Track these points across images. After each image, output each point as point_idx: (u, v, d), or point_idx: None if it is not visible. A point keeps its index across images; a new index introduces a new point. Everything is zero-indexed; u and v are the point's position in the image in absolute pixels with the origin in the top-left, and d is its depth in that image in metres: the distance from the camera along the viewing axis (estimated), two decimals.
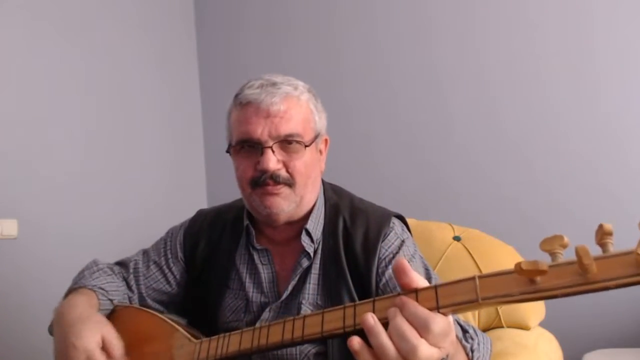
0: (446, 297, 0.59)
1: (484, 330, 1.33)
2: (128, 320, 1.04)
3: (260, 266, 1.07)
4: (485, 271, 1.34)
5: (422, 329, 0.58)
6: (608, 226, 0.52)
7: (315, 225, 1.05)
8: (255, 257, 1.07)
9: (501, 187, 1.88)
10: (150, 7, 2.45)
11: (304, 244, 1.03)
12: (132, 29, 2.36)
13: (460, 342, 0.76)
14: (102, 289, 1.07)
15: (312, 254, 1.04)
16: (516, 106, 1.88)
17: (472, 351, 0.80)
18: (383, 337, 0.59)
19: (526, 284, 0.54)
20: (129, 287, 1.15)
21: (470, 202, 1.91)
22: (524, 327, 1.31)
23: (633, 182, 1.71)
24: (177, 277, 1.16)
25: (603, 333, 1.68)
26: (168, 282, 1.16)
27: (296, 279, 1.02)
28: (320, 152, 1.08)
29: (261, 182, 0.97)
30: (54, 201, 1.97)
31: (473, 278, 0.58)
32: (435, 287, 0.60)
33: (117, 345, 0.91)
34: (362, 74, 2.20)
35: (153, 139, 2.39)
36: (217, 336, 0.86)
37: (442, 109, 2.02)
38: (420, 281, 0.63)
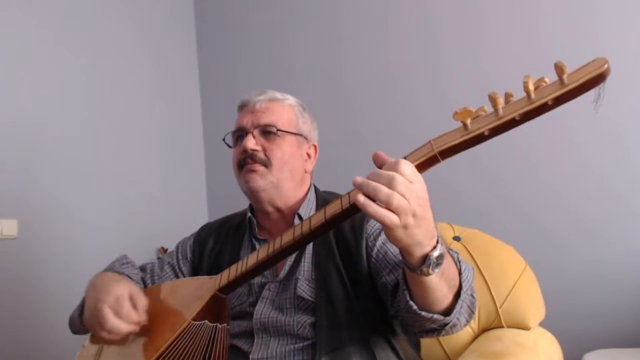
0: (411, 158, 0.77)
1: (484, 331, 1.34)
2: (148, 296, 1.11)
3: None
4: (485, 272, 1.36)
5: (393, 167, 0.72)
6: (510, 91, 0.71)
7: (307, 213, 1.17)
8: (257, 247, 1.18)
9: (501, 187, 1.88)
10: (151, 10, 2.45)
11: None
12: (133, 32, 2.36)
13: (448, 252, 0.85)
14: (129, 277, 1.18)
15: None
16: None
17: (460, 262, 0.90)
18: (371, 182, 0.72)
19: (462, 131, 0.73)
20: (145, 285, 1.25)
21: (470, 202, 1.91)
22: (524, 327, 1.31)
23: (634, 182, 1.71)
24: (186, 276, 1.25)
25: (603, 333, 1.68)
26: None
27: (292, 259, 1.14)
28: (308, 155, 1.23)
29: (242, 161, 1.15)
30: (54, 201, 1.97)
31: (429, 142, 0.77)
32: (405, 157, 0.77)
33: (142, 299, 1.01)
34: (363, 75, 2.20)
35: (153, 139, 2.39)
36: (235, 264, 0.98)
37: (443, 108, 2.02)
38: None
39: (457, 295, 0.87)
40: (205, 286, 1.00)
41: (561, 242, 1.78)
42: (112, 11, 2.28)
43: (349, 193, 0.82)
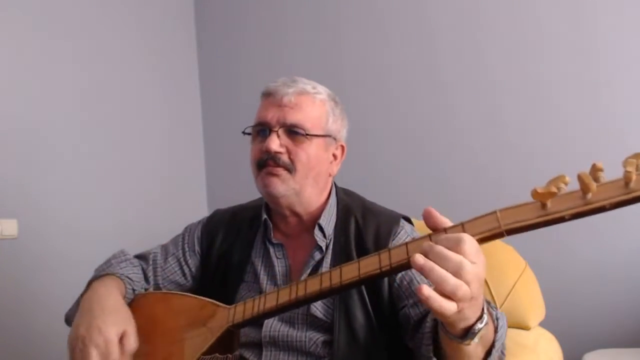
0: (472, 229, 0.67)
1: None
2: (149, 304, 1.08)
3: (275, 260, 1.12)
4: (486, 272, 1.35)
5: (456, 246, 0.64)
6: (599, 164, 0.62)
7: (328, 222, 1.11)
8: (271, 250, 1.13)
9: (502, 188, 1.88)
10: (151, 10, 2.45)
11: (317, 238, 1.09)
12: (133, 31, 2.36)
13: (487, 310, 0.78)
14: (129, 278, 1.11)
15: (324, 248, 1.09)
16: (519, 106, 1.88)
17: (497, 319, 0.83)
18: (437, 268, 0.63)
19: (539, 209, 0.64)
20: (146, 278, 1.19)
21: (470, 202, 1.91)
22: (524, 327, 1.31)
23: None
24: (193, 270, 1.21)
25: (603, 333, 1.68)
26: (184, 275, 1.21)
27: (308, 271, 1.08)
28: (334, 156, 1.14)
29: (263, 162, 1.06)
30: (54, 201, 1.97)
31: (494, 212, 0.67)
32: (462, 224, 0.68)
33: (132, 342, 0.95)
34: (364, 75, 2.20)
35: (153, 139, 2.39)
36: (251, 298, 0.91)
37: (444, 109, 2.02)
38: (447, 222, 0.70)
39: (488, 353, 0.81)
40: (217, 317, 0.95)
41: (561, 242, 1.78)
42: (112, 11, 2.28)
43: (389, 250, 0.75)
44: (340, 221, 1.12)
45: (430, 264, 0.64)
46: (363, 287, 1.03)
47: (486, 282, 1.32)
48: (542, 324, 1.37)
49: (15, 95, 1.90)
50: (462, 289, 0.63)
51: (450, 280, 0.62)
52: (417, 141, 2.06)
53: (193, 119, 2.61)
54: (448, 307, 0.63)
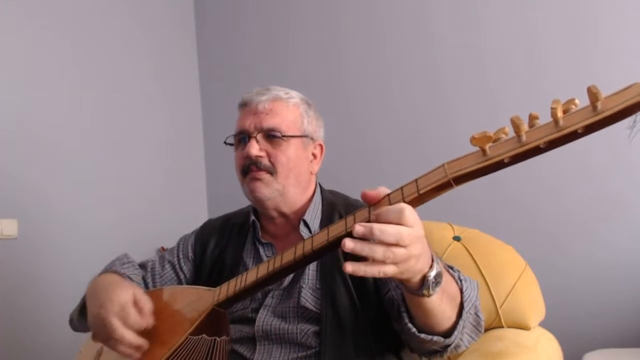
0: (423, 182, 0.72)
1: (484, 331, 1.33)
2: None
3: (265, 258, 1.15)
4: (485, 272, 1.36)
5: (397, 218, 0.69)
6: (535, 113, 0.66)
7: (313, 218, 1.15)
8: (261, 250, 1.17)
9: (501, 187, 1.88)
10: (150, 9, 2.45)
11: (302, 234, 1.13)
12: (133, 30, 2.36)
13: (448, 271, 0.83)
14: (130, 278, 1.16)
15: None
16: (518, 105, 1.88)
17: (461, 280, 0.88)
18: (364, 245, 0.69)
19: (480, 156, 0.68)
20: (145, 285, 1.23)
21: (470, 202, 1.91)
22: (524, 327, 1.31)
23: (634, 182, 1.71)
24: (187, 276, 1.24)
25: (603, 333, 1.68)
26: (179, 281, 1.24)
27: None
28: (314, 155, 1.19)
29: (246, 168, 1.11)
30: (54, 201, 1.97)
31: (442, 165, 0.71)
32: (416, 180, 0.74)
33: (146, 302, 0.99)
34: (363, 74, 2.20)
35: (153, 139, 2.39)
36: (234, 278, 0.96)
37: (443, 107, 2.03)
38: (384, 191, 0.76)
39: (460, 316, 0.86)
40: (203, 299, 0.98)
41: (561, 242, 1.78)
42: (112, 11, 2.28)
43: (354, 214, 0.79)
44: (325, 217, 1.15)
45: (359, 245, 0.69)
46: (348, 277, 1.06)
47: (486, 282, 1.32)
48: (542, 324, 1.37)
49: (15, 96, 1.90)
50: (400, 254, 0.68)
51: (378, 251, 0.68)
52: (417, 141, 2.06)
53: (193, 118, 2.61)
54: (390, 272, 0.69)
